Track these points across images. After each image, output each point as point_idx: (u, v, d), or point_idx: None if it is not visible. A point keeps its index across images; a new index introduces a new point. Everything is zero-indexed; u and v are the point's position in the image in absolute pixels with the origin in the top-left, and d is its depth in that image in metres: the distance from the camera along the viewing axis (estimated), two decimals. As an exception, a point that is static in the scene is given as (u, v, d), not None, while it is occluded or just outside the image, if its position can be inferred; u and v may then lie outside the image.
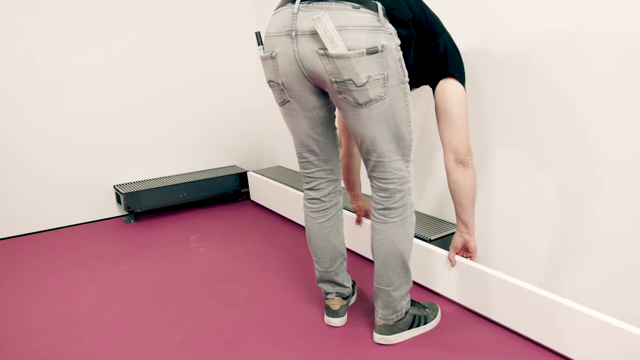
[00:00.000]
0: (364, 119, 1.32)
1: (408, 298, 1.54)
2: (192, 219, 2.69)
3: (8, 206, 2.45)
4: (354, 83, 1.26)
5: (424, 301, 1.73)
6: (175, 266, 2.09)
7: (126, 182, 2.76)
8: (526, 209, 1.78)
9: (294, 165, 2.99)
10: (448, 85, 1.47)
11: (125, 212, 2.67)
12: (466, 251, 1.67)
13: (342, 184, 2.01)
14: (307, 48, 1.27)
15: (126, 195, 2.57)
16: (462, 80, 1.49)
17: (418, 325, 1.56)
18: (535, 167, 1.73)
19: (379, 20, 1.23)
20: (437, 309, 1.64)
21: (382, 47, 1.23)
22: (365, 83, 1.25)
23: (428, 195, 2.17)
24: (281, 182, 2.63)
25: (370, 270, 2.00)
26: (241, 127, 3.13)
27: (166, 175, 2.89)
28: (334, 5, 1.23)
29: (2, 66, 2.34)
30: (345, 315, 1.64)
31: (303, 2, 1.27)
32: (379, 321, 1.52)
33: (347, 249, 2.19)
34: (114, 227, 2.61)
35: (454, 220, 2.07)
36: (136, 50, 2.67)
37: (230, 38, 2.97)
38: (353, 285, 1.78)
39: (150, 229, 2.56)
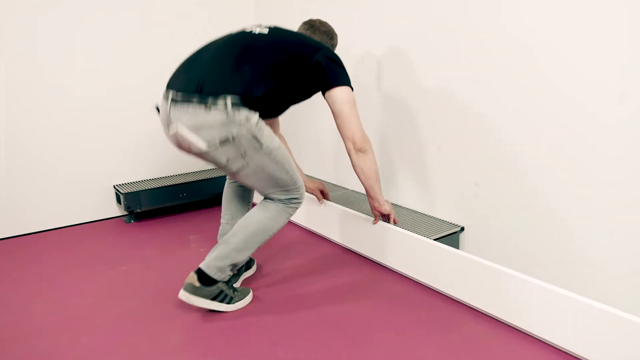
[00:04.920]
0: (239, 179, 1.66)
1: (230, 273, 1.69)
2: (192, 219, 2.69)
3: (8, 206, 2.45)
4: (218, 164, 1.60)
5: (245, 286, 1.84)
6: (175, 266, 2.09)
7: (126, 182, 2.76)
8: (525, 206, 1.78)
9: (294, 165, 2.99)
10: (332, 95, 1.70)
11: (125, 212, 2.67)
12: (385, 215, 1.96)
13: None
14: (182, 138, 1.58)
15: (126, 195, 2.57)
16: (344, 84, 1.70)
17: (221, 301, 1.69)
18: (536, 166, 1.73)
19: (227, 116, 1.51)
20: (247, 294, 1.77)
21: (232, 137, 1.52)
22: (226, 163, 1.58)
23: (426, 194, 2.17)
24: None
25: (354, 264, 2.00)
26: (241, 127, 3.12)
27: (166, 175, 2.89)
28: (191, 107, 1.53)
29: (1, 67, 2.34)
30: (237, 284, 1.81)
31: (172, 103, 1.57)
32: (192, 276, 1.65)
33: (335, 243, 2.19)
34: (114, 227, 2.60)
35: (453, 219, 2.07)
36: (136, 50, 2.67)
37: (230, 38, 2.97)
38: (251, 260, 1.94)
39: (150, 229, 2.56)
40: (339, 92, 1.69)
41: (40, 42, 2.41)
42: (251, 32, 1.68)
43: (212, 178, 2.84)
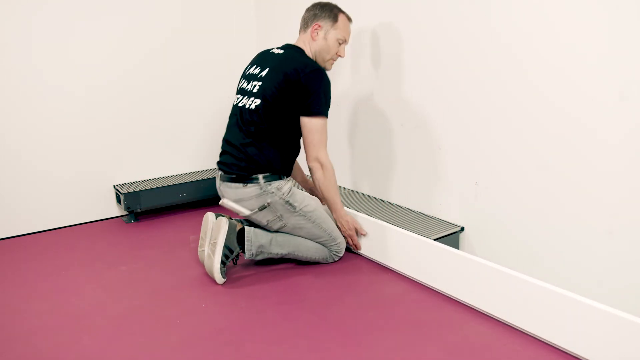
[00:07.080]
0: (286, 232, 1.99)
1: (253, 251, 1.92)
2: (192, 219, 2.69)
3: (8, 206, 2.45)
4: (260, 223, 1.96)
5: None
6: (175, 266, 2.09)
7: (126, 182, 2.76)
8: (525, 206, 1.78)
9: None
10: (303, 122, 1.91)
11: (125, 212, 2.67)
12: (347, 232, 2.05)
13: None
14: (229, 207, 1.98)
15: (126, 195, 2.57)
16: (319, 113, 1.88)
17: (225, 258, 1.88)
18: (536, 166, 1.73)
19: (261, 189, 1.89)
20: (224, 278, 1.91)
21: (268, 203, 1.90)
22: (267, 223, 1.95)
23: (428, 195, 2.17)
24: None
25: (354, 264, 2.00)
26: (241, 127, 3.12)
27: (166, 175, 2.89)
28: (233, 185, 1.92)
29: (1, 67, 2.34)
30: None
31: (222, 180, 1.96)
32: (237, 223, 1.91)
33: (353, 252, 2.20)
34: (114, 227, 2.60)
35: (453, 219, 2.07)
36: (135, 50, 2.67)
37: (230, 38, 2.98)
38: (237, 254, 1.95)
39: (150, 229, 2.56)
40: (315, 121, 1.89)
41: (39, 42, 2.41)
42: (243, 106, 1.94)
43: (212, 178, 2.84)
